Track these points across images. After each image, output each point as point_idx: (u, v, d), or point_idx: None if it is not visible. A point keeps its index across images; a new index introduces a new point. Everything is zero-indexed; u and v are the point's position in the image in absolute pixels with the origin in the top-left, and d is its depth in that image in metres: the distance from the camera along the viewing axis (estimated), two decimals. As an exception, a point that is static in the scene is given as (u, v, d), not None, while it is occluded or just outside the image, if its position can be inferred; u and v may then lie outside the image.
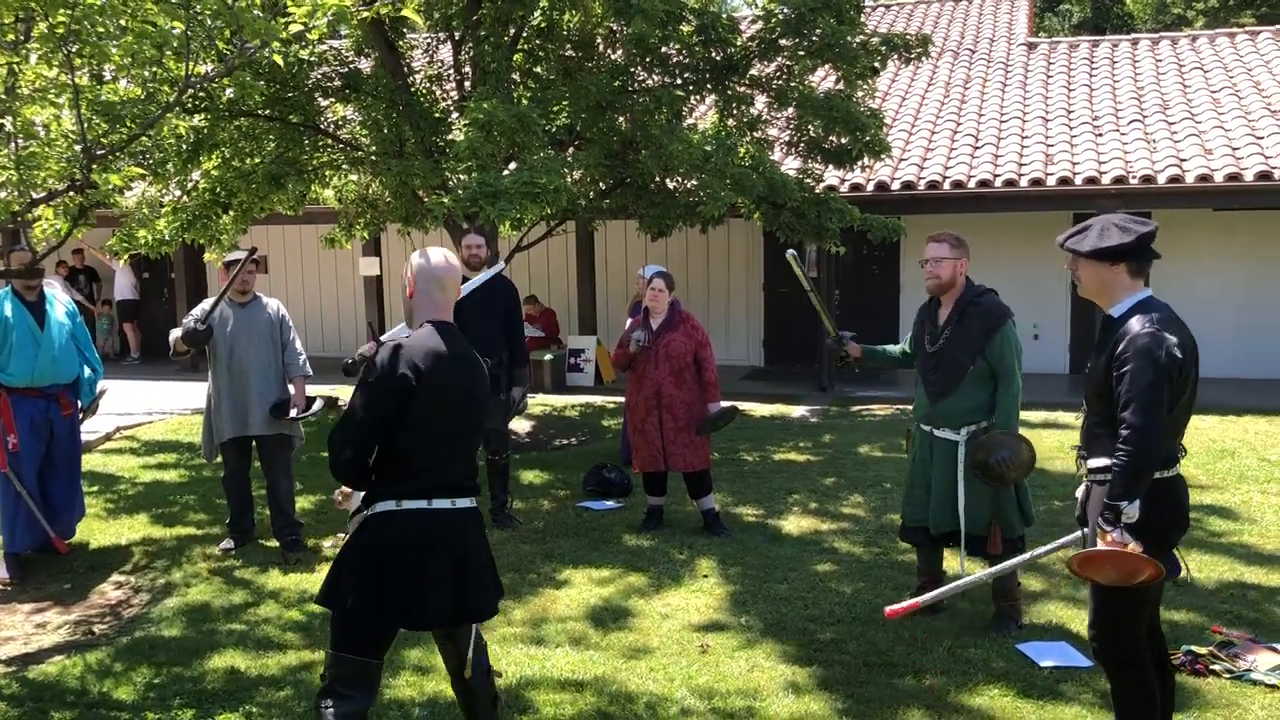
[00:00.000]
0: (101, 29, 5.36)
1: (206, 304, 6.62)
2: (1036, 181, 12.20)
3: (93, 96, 6.53)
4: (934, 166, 12.94)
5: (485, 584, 3.62)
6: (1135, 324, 3.49)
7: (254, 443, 6.74)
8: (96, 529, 7.27)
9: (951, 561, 5.43)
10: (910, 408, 5.87)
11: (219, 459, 6.86)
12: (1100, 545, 3.44)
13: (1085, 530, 3.69)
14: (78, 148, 5.84)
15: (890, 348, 5.62)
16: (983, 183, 12.40)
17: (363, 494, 3.61)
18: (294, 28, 5.25)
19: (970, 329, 5.05)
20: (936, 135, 14.02)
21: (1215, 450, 9.27)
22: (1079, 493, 3.84)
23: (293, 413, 6.66)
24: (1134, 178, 11.92)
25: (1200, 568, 6.14)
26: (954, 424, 5.08)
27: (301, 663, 5.02)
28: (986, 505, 5.05)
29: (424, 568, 3.46)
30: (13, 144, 6.12)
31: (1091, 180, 12.01)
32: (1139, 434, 3.36)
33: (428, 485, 3.48)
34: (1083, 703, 4.42)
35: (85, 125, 5.83)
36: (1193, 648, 4.86)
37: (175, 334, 6.53)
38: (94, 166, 5.83)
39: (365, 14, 5.65)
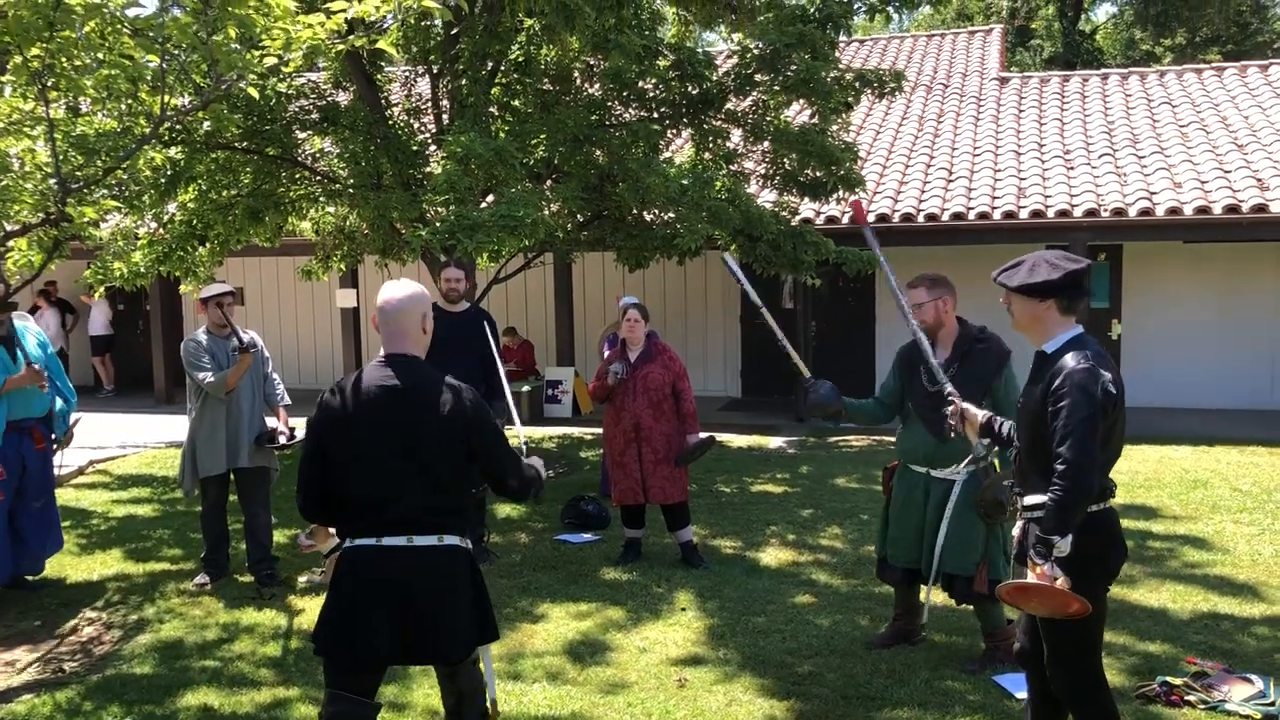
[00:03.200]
0: (79, 62, 5.36)
1: (202, 336, 6.58)
2: (1009, 214, 12.33)
3: (68, 129, 6.52)
4: (908, 200, 13.06)
5: (448, 625, 3.48)
6: (1070, 360, 3.50)
7: (232, 476, 6.69)
8: (68, 564, 7.18)
9: (926, 595, 5.42)
10: (890, 440, 5.83)
11: (197, 493, 6.80)
12: (1030, 577, 3.46)
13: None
14: (52, 181, 5.82)
15: (864, 402, 5.40)
16: (956, 215, 12.52)
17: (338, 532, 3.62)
18: (268, 60, 5.26)
19: (977, 367, 5.03)
20: (910, 169, 14.16)
21: (1188, 480, 9.34)
22: (1015, 531, 3.82)
23: (280, 439, 6.62)
24: (1105, 210, 12.07)
25: (1174, 598, 6.18)
26: (956, 462, 5.03)
27: (275, 700, 4.96)
28: (974, 544, 5.03)
29: (370, 606, 3.42)
30: (-13, 177, 6.09)
31: (1064, 213, 12.15)
32: (1074, 469, 3.37)
33: (376, 523, 3.44)
34: (1060, 735, 4.42)
35: (60, 158, 5.81)
36: (1168, 678, 4.88)
37: (218, 376, 6.39)
38: (69, 199, 5.81)
39: (340, 47, 5.67)
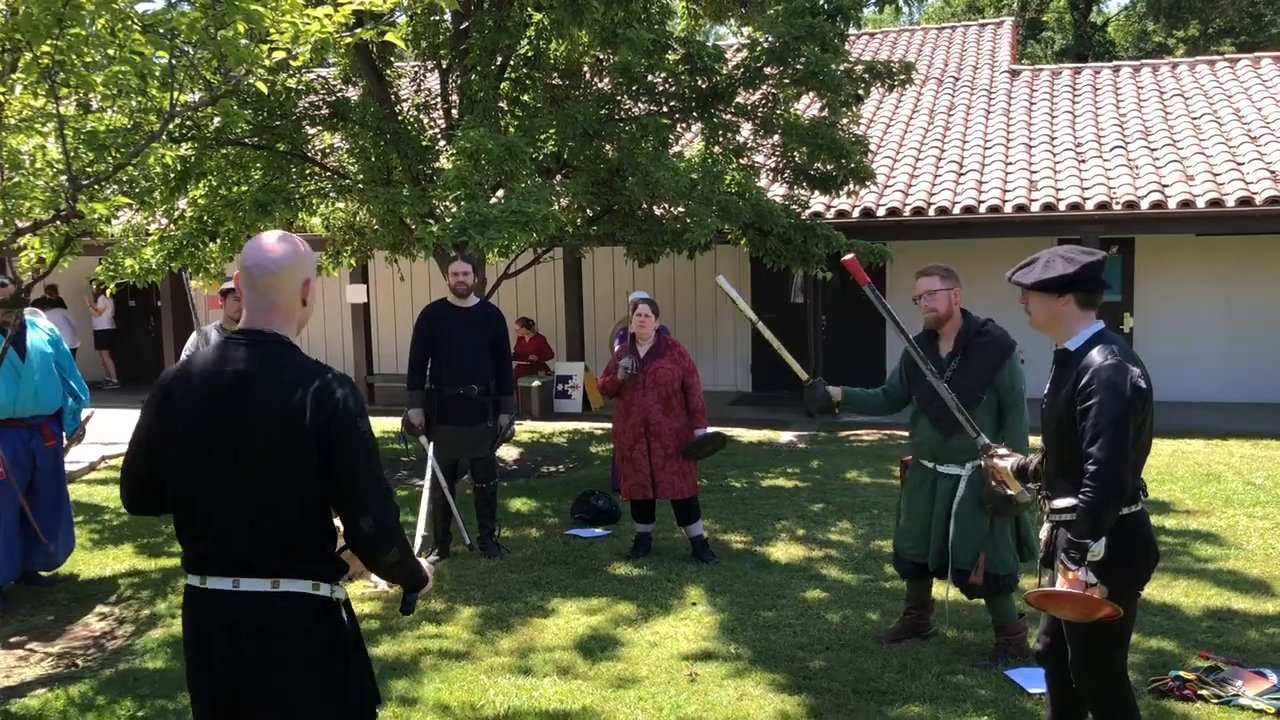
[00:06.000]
0: (89, 59, 5.37)
1: (212, 330, 6.58)
2: (1020, 208, 12.29)
3: (78, 126, 6.52)
4: (919, 193, 13.01)
5: (283, 707, 2.64)
6: (1096, 356, 3.40)
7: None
8: (81, 560, 7.21)
9: (940, 590, 5.43)
10: (900, 434, 5.81)
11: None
12: (1060, 584, 3.36)
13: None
14: (63, 177, 5.84)
15: (869, 391, 5.40)
16: (967, 209, 12.48)
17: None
18: (277, 55, 5.26)
19: (978, 360, 4.99)
20: (921, 162, 14.11)
21: (1201, 475, 9.30)
22: (1043, 534, 3.74)
23: None
24: (1117, 203, 12.02)
25: (1187, 593, 6.15)
26: (960, 459, 5.01)
27: (287, 694, 4.96)
28: (976, 539, 5.02)
29: (192, 666, 2.71)
30: (-2, 174, 6.10)
31: (1075, 206, 12.10)
32: (1106, 469, 3.26)
33: (199, 556, 2.65)
34: (1072, 729, 4.40)
35: (71, 155, 5.82)
36: (1181, 673, 4.86)
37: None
38: (80, 196, 5.82)
39: (349, 40, 5.66)
